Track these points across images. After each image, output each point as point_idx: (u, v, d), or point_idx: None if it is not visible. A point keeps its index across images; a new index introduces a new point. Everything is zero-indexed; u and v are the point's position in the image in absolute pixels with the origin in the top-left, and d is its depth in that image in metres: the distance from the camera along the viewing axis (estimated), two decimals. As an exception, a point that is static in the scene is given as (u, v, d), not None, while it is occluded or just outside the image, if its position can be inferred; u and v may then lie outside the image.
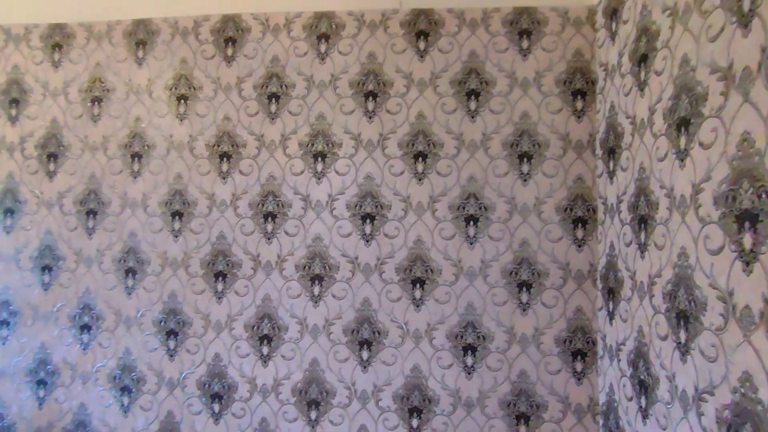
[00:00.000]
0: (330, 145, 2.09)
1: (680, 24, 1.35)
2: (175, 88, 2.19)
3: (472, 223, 1.99)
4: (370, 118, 2.07)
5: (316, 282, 2.05)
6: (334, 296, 2.04)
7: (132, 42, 2.23)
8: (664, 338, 1.40)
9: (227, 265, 2.11)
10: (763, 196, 1.00)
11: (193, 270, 2.12)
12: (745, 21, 1.06)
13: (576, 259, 1.94)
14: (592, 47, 1.98)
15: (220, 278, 2.11)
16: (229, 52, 2.17)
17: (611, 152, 1.81)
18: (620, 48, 1.77)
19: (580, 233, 1.94)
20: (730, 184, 1.12)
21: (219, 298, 2.10)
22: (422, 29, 2.07)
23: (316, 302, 2.05)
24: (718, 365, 1.14)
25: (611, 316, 1.79)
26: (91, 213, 2.21)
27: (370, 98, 2.08)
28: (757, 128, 1.01)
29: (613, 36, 1.83)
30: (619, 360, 1.72)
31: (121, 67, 2.23)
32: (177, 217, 2.15)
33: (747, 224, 1.05)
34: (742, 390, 1.04)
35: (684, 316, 1.30)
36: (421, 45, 2.07)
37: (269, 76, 2.14)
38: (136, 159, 2.20)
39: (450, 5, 2.06)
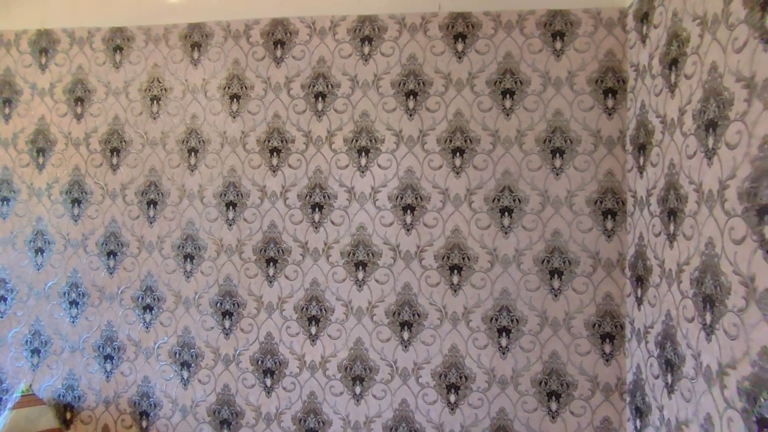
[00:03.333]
0: (373, 140, 2.24)
1: (709, 33, 1.47)
2: (228, 88, 2.36)
3: (506, 214, 2.14)
4: (410, 115, 2.22)
5: (360, 268, 2.23)
6: (376, 281, 2.21)
7: (187, 44, 2.40)
8: (691, 320, 1.54)
9: (278, 251, 2.29)
10: (785, 192, 1.13)
11: (247, 256, 2.31)
12: (765, 37, 1.18)
13: (605, 249, 2.08)
14: (623, 48, 2.09)
15: (272, 264, 2.29)
16: (278, 53, 2.33)
17: (641, 148, 1.94)
18: (651, 50, 1.88)
19: (609, 224, 2.08)
20: (752, 181, 1.25)
21: (270, 281, 2.29)
22: (460, 32, 2.20)
23: (360, 286, 2.22)
24: (739, 342, 1.28)
25: (639, 301, 1.93)
26: (152, 203, 2.41)
27: (411, 97, 2.22)
28: (781, 132, 1.14)
29: (644, 39, 1.94)
30: (647, 342, 1.86)
31: (177, 68, 2.41)
32: (231, 208, 2.33)
33: (766, 217, 1.18)
34: (760, 363, 1.19)
35: (710, 300, 1.43)
36: (459, 47, 2.20)
37: (316, 76, 2.30)
38: (193, 153, 2.38)
39: (486, 8, 2.18)
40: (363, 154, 2.24)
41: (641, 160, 1.94)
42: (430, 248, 2.18)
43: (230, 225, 2.33)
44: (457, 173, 2.18)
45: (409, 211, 2.20)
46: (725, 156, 1.38)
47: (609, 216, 2.08)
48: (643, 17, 1.95)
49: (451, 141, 2.19)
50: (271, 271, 2.29)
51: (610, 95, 2.10)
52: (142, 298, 2.40)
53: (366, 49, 2.27)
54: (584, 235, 2.09)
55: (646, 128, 1.90)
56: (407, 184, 2.21)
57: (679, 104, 1.66)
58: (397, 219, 2.21)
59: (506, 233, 2.14)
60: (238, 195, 2.33)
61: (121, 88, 2.46)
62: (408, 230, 2.20)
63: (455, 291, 2.16)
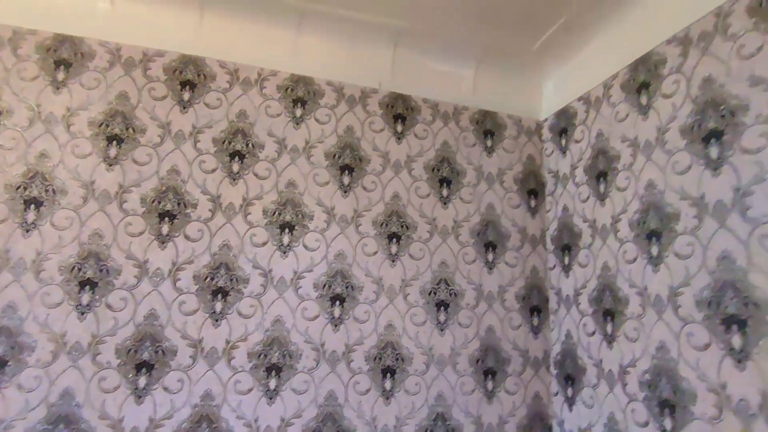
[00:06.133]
0: (300, 216, 1.90)
1: (642, 155, 1.67)
2: (107, 125, 1.77)
3: (443, 308, 1.98)
4: (345, 192, 1.97)
5: (273, 373, 1.74)
6: (293, 390, 1.75)
7: (50, 59, 1.76)
8: (645, 425, 1.55)
9: (156, 352, 1.65)
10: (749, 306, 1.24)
11: (105, 359, 1.60)
12: (714, 165, 1.38)
13: (533, 346, 2.06)
14: (540, 155, 2.29)
15: (144, 370, 1.63)
16: (186, 96, 1.88)
17: (566, 248, 2.05)
18: (573, 161, 2.07)
19: (536, 321, 2.09)
20: (712, 291, 1.36)
21: (140, 396, 1.61)
22: (400, 112, 2.12)
23: (271, 398, 1.72)
24: (719, 453, 1.30)
25: (571, 401, 1.91)
26: (-63, 276, 1.54)
27: (347, 172, 1.99)
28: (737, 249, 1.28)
29: (563, 150, 2.15)
30: (581, 446, 1.83)
31: (27, 87, 1.72)
32: (88, 288, 1.63)
33: (733, 326, 1.27)
34: (755, 477, 1.20)
35: (669, 405, 1.46)
36: (399, 127, 2.11)
37: (234, 132, 1.90)
38: (33, 206, 1.65)
39: (425, 95, 2.17)
40: (287, 230, 1.87)
41: (566, 260, 2.04)
42: (360, 347, 1.86)
43: (82, 313, 1.62)
44: (393, 261, 1.97)
45: (338, 303, 1.87)
46: (675, 265, 1.51)
47: (535, 313, 2.10)
48: (561, 131, 2.17)
49: (387, 225, 1.99)
50: (141, 382, 1.62)
51: (532, 196, 2.23)
52: None
53: (298, 112, 1.99)
54: (515, 332, 2.05)
55: (571, 231, 2.03)
56: (337, 270, 1.89)
57: (612, 212, 1.81)
58: (323, 312, 1.84)
59: (442, 330, 1.96)
60: (101, 271, 1.66)
61: None
62: (335, 325, 1.85)
63: (387, 399, 1.84)
